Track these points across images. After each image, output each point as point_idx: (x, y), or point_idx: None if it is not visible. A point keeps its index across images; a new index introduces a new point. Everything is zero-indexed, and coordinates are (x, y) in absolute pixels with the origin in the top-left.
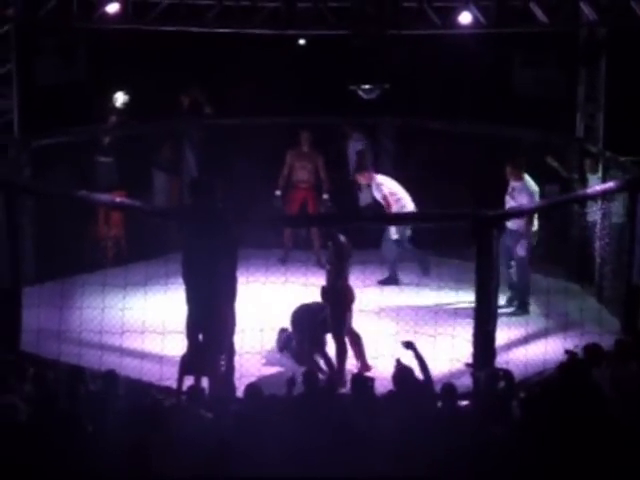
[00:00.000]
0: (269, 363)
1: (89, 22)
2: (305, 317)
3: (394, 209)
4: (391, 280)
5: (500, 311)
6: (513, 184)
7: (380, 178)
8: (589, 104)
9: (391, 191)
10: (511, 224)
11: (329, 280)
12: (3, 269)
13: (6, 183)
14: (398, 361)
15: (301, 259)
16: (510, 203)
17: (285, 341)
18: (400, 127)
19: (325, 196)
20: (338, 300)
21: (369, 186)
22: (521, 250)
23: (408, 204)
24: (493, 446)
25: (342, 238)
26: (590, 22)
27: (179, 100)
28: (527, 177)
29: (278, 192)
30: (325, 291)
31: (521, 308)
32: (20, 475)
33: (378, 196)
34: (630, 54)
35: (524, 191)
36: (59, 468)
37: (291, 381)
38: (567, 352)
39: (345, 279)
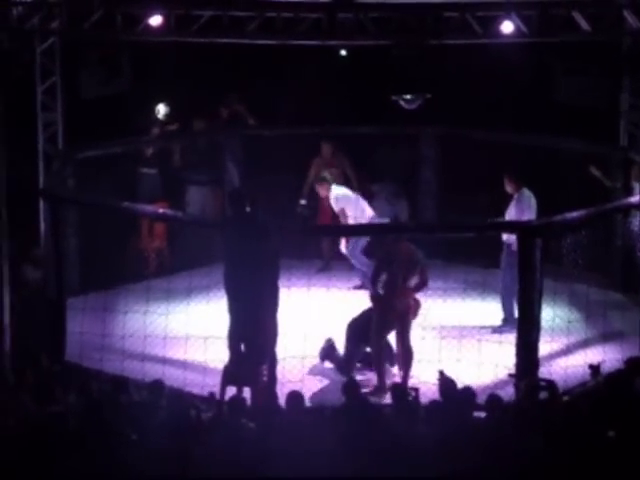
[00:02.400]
0: (311, 373)
1: (133, 35)
2: (360, 329)
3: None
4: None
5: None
6: (514, 195)
7: (337, 193)
8: (633, 112)
9: (342, 210)
10: (504, 236)
11: (370, 282)
12: (48, 280)
13: (51, 195)
14: (441, 372)
15: (342, 268)
16: (506, 216)
17: (328, 351)
18: (442, 137)
19: None
20: (381, 307)
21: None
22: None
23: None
24: (534, 457)
25: (402, 245)
26: (634, 30)
27: (218, 112)
28: (524, 189)
29: (303, 201)
30: (371, 296)
31: (507, 324)
32: None
33: (335, 207)
34: None
35: (515, 203)
36: (104, 476)
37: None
38: (591, 367)
39: (391, 288)
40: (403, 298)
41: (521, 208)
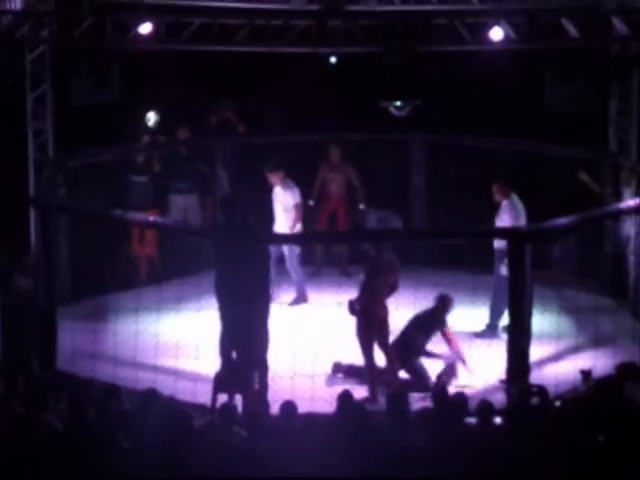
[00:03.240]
0: (302, 380)
1: (123, 43)
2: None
3: (295, 219)
4: (300, 299)
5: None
6: (502, 203)
7: (294, 187)
8: (621, 118)
9: (298, 205)
10: (496, 243)
11: (357, 294)
12: (39, 288)
13: (41, 203)
14: (438, 377)
15: (333, 275)
16: (497, 223)
17: (344, 369)
18: (431, 143)
19: (361, 206)
20: (361, 316)
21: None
22: (504, 270)
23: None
24: (525, 463)
25: (384, 254)
26: (622, 37)
27: (208, 119)
28: (514, 195)
29: (311, 202)
30: (350, 305)
31: (490, 330)
32: None
33: (291, 200)
34: None
35: (507, 209)
36: None
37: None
38: (582, 372)
39: (373, 297)
40: (383, 306)
41: (514, 215)
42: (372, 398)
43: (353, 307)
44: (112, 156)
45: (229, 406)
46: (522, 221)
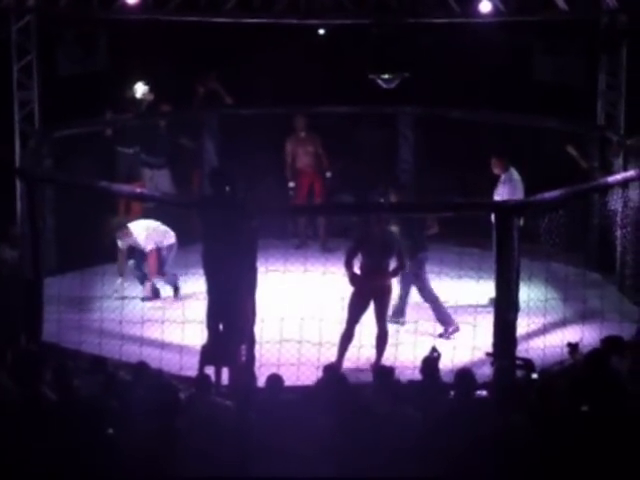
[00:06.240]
0: (289, 352)
1: (109, 12)
2: None
3: None
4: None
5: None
6: (501, 176)
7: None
8: (610, 92)
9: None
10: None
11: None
12: (25, 259)
13: (27, 173)
14: (434, 349)
15: (318, 248)
16: (495, 196)
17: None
18: (420, 116)
19: (328, 174)
20: (355, 288)
21: None
22: None
23: None
24: (512, 435)
25: (377, 227)
26: (611, 9)
27: (195, 89)
28: (512, 169)
29: (292, 184)
30: (348, 277)
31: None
32: (47, 462)
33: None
34: None
35: (506, 182)
36: (85, 456)
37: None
38: (569, 345)
39: (367, 270)
40: (379, 280)
41: (512, 188)
42: (337, 365)
43: (353, 278)
44: (98, 127)
45: (204, 376)
46: (520, 194)
